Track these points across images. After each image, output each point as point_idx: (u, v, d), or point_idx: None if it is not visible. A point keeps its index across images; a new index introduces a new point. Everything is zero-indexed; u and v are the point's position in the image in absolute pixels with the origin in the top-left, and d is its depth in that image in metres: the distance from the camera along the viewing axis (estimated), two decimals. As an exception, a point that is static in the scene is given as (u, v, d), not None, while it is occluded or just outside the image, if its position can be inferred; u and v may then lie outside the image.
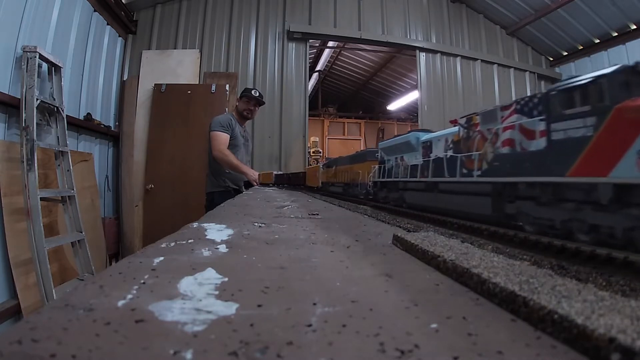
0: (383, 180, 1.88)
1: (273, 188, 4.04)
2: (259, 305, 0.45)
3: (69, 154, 3.71)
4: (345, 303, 0.47)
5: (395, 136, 1.98)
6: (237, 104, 3.95)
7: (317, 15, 6.23)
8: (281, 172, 4.82)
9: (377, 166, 2.01)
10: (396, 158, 1.81)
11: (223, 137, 3.59)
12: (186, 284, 0.53)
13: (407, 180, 1.60)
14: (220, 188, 3.64)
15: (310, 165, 6.27)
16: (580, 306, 0.39)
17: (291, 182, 4.17)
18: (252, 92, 3.83)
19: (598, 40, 6.12)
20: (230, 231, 1.03)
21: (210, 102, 5.25)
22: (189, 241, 0.85)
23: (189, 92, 5.29)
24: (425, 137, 1.58)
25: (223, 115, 3.90)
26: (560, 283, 0.48)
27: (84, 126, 4.48)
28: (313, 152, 9.50)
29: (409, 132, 1.78)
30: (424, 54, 6.61)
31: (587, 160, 0.75)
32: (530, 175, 0.90)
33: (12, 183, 3.13)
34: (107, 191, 5.12)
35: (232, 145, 3.66)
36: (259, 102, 3.87)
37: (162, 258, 0.68)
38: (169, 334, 0.36)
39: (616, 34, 5.82)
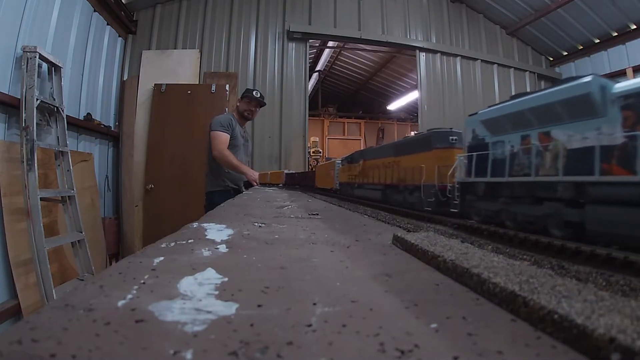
0: (491, 180, 1.00)
1: (273, 188, 4.00)
2: (259, 305, 0.45)
3: (69, 154, 3.71)
4: (345, 303, 0.47)
5: (515, 95, 0.99)
6: (237, 104, 3.96)
7: (317, 15, 6.23)
8: (292, 172, 4.26)
9: (470, 155, 1.10)
10: (524, 137, 0.92)
11: (223, 137, 3.59)
12: (186, 284, 0.53)
13: (583, 181, 0.73)
14: (219, 188, 3.64)
15: (310, 165, 6.20)
16: (580, 306, 0.39)
17: (300, 182, 3.74)
18: (254, 92, 3.84)
19: (598, 40, 6.12)
20: (230, 231, 1.03)
21: (210, 102, 5.25)
22: (189, 241, 0.85)
23: (189, 92, 5.29)
24: (635, 82, 0.68)
25: (223, 115, 3.91)
26: (560, 283, 0.48)
27: (84, 126, 4.48)
28: (313, 152, 9.49)
29: (572, 77, 0.81)
30: (424, 54, 6.62)
31: None
32: None
33: (12, 183, 3.13)
34: (107, 191, 5.12)
35: (232, 146, 3.66)
36: (260, 103, 3.87)
37: (162, 258, 0.68)
38: (169, 334, 0.36)
39: (616, 34, 5.82)
